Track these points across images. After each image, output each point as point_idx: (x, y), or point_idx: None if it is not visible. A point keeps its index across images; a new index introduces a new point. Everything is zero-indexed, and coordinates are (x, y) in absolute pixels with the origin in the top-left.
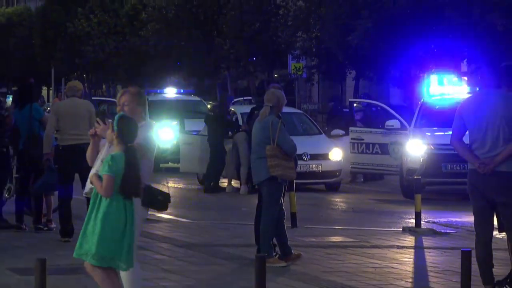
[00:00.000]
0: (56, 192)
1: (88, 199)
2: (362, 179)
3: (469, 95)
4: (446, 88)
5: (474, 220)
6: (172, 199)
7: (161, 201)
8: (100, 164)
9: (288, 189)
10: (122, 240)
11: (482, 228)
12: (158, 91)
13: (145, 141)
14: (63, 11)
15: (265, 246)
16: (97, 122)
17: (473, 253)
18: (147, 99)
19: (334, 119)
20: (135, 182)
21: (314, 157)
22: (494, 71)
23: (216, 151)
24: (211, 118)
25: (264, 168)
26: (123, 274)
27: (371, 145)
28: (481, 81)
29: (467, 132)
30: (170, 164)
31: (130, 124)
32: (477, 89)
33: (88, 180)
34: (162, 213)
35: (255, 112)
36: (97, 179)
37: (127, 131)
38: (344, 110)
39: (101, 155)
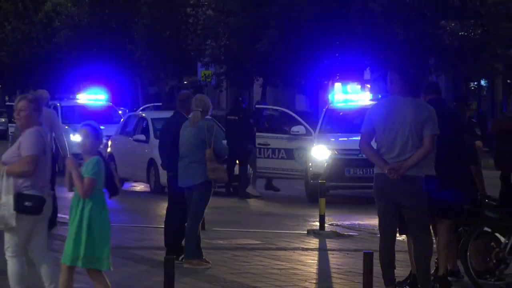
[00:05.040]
0: None
1: None
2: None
3: (373, 102)
4: (349, 95)
5: (379, 222)
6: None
7: (30, 206)
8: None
9: None
10: (108, 240)
11: (386, 231)
12: (71, 96)
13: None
14: None
15: (191, 247)
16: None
17: (376, 255)
18: (60, 104)
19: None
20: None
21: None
22: (401, 78)
23: None
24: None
25: (199, 172)
26: (45, 271)
27: (277, 150)
28: (389, 87)
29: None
30: None
31: (99, 135)
32: (379, 96)
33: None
34: None
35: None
36: (79, 179)
37: (97, 141)
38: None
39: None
